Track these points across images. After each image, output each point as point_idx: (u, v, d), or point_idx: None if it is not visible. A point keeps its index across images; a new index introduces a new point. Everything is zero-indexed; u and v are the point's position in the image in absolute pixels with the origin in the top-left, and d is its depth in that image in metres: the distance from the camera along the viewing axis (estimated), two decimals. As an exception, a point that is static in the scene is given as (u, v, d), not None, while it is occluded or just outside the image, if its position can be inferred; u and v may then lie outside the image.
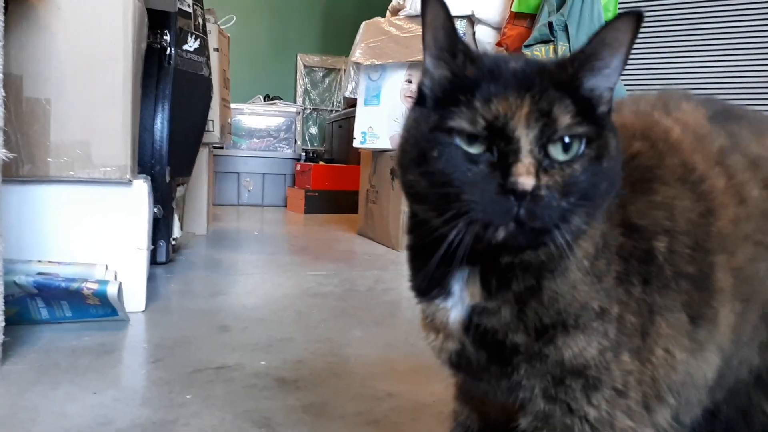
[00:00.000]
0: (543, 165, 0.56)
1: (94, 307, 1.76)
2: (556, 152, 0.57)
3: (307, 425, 1.16)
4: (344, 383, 1.39)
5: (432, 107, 0.61)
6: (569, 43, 2.70)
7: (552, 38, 2.72)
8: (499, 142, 0.56)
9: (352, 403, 1.27)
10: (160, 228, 2.60)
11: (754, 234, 0.70)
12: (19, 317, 1.69)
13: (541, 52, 2.70)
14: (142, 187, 1.88)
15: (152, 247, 2.18)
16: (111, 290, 1.69)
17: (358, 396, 1.31)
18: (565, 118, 0.57)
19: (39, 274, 1.68)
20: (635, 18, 0.57)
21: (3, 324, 1.45)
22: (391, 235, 3.38)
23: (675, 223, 0.66)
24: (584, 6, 2.73)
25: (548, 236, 0.57)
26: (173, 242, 2.78)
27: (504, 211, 0.55)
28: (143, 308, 1.94)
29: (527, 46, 2.76)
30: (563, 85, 0.59)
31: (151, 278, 2.11)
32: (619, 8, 2.99)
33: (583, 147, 0.58)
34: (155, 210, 2.44)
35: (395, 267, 2.94)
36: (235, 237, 3.95)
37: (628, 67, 0.63)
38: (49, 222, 1.82)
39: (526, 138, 0.56)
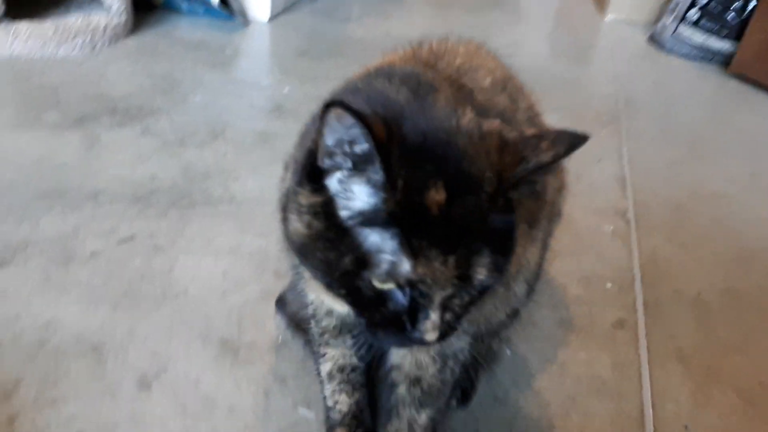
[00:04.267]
0: (449, 306, 0.53)
1: (216, 10, 1.99)
2: (465, 290, 0.53)
3: None
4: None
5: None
6: None
7: None
8: (412, 291, 0.51)
9: None
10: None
11: None
12: (167, 4, 2.07)
13: None
14: None
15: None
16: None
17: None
18: (481, 275, 0.51)
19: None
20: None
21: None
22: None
23: None
24: None
25: None
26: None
27: (408, 344, 0.56)
28: (266, 19, 2.06)
29: None
30: (489, 214, 0.50)
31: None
32: None
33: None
34: None
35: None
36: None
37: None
38: None
39: (439, 296, 0.51)
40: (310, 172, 0.51)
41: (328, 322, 0.77)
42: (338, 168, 0.49)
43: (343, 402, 0.81)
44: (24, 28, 1.69)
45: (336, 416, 0.81)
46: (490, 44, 0.81)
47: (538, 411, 0.90)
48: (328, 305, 0.72)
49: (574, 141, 0.50)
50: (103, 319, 0.93)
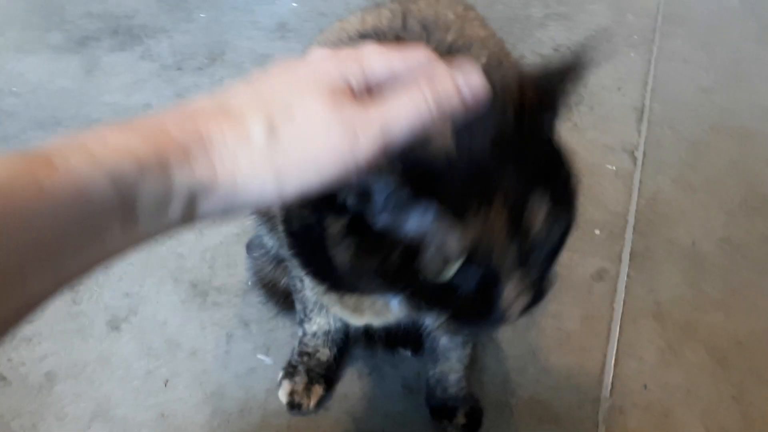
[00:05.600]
0: (528, 262, 0.46)
1: None
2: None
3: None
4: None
5: None
6: None
7: None
8: (475, 267, 0.44)
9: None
10: None
11: None
12: None
13: None
14: None
15: None
16: None
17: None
18: (539, 222, 0.44)
19: None
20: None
21: None
22: None
23: None
24: None
25: None
26: None
27: (498, 325, 0.49)
28: None
29: None
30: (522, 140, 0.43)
31: None
32: None
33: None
34: None
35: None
36: None
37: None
38: None
39: (507, 259, 0.44)
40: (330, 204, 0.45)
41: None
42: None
43: (322, 353, 0.86)
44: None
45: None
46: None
47: (496, 364, 0.92)
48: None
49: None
50: (83, 258, 0.98)
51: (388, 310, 0.63)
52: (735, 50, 1.71)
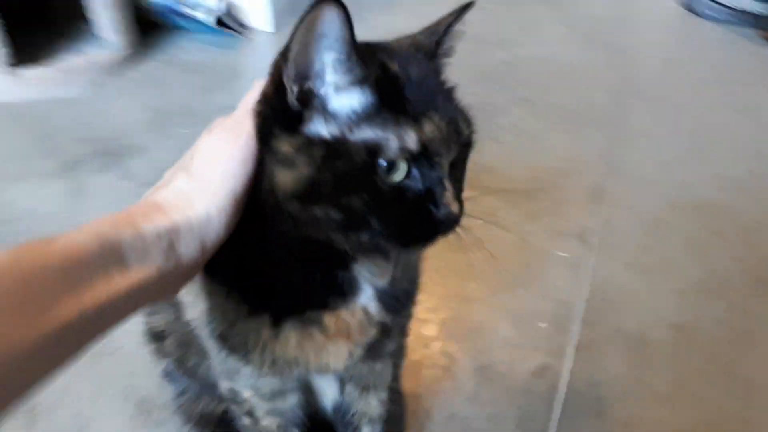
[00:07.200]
0: (452, 176, 0.55)
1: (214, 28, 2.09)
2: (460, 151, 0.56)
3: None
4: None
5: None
6: None
7: None
8: (422, 166, 0.53)
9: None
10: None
11: None
12: (172, 24, 2.15)
13: None
14: None
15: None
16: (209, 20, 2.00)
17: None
18: (465, 129, 0.55)
19: None
20: None
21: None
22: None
23: None
24: None
25: None
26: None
27: (439, 231, 0.55)
28: (272, 29, 2.16)
29: None
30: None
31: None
32: None
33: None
34: None
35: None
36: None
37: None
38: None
39: (446, 161, 0.53)
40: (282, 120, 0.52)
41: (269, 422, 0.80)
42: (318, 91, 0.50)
43: None
44: (28, 72, 1.84)
45: None
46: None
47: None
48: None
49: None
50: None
51: (369, 315, 0.64)
52: (698, 121, 1.72)
